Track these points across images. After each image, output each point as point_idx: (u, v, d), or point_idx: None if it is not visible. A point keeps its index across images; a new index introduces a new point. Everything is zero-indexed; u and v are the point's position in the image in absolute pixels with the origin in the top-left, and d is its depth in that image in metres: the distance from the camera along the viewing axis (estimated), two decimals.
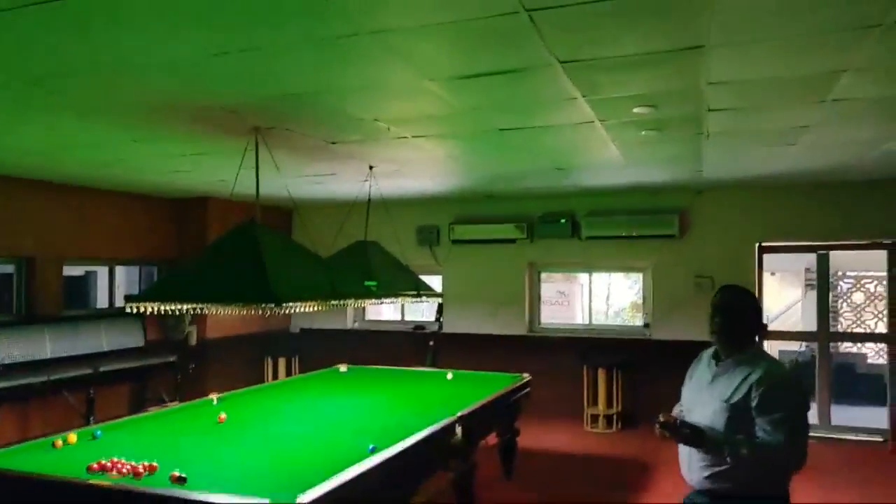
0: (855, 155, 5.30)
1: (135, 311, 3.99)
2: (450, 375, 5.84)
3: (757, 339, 2.53)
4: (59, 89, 3.48)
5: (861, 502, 4.96)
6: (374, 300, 5.16)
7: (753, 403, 2.32)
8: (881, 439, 6.61)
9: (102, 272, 8.19)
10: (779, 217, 7.06)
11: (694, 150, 5.14)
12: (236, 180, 4.89)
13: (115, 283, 7.82)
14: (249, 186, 4.50)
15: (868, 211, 6.72)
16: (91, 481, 2.74)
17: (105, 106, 3.83)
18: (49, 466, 2.97)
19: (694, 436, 2.37)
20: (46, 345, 6.30)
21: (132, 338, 7.20)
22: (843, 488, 5.28)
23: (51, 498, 2.77)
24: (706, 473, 2.42)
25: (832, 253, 7.24)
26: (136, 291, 8.04)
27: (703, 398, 2.50)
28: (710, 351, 2.62)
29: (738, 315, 2.48)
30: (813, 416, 7.16)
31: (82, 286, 9.16)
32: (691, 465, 2.49)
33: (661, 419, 2.41)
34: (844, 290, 9.18)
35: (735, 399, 2.37)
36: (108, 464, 2.92)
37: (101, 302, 8.28)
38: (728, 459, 2.33)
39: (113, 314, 7.27)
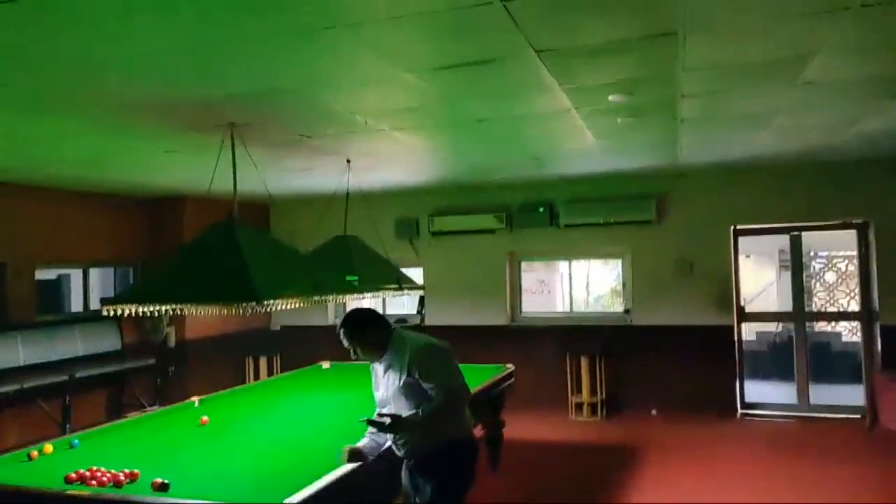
0: (826, 137, 5.36)
1: (112, 314, 3.88)
2: None
3: (386, 332, 3.01)
4: (17, 86, 3.36)
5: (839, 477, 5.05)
6: (355, 295, 5.12)
7: (417, 376, 2.86)
8: (858, 416, 6.74)
9: (76, 275, 8.02)
10: (753, 200, 7.14)
11: (669, 135, 5.16)
12: (213, 177, 4.80)
13: (89, 286, 7.66)
14: (226, 183, 4.41)
15: (839, 191, 6.81)
16: (70, 491, 2.65)
17: (67, 103, 3.72)
18: (25, 478, 2.88)
19: (394, 423, 2.84)
20: (19, 352, 6.15)
21: (108, 341, 7.06)
22: (821, 465, 5.38)
23: None
24: (407, 447, 2.94)
25: (804, 233, 7.36)
26: (111, 294, 7.90)
27: (388, 391, 2.98)
28: None
29: (362, 330, 2.98)
30: (792, 396, 7.29)
31: (56, 290, 8.95)
32: (396, 447, 2.99)
33: (366, 420, 2.87)
34: (817, 269, 9.32)
35: (404, 380, 2.89)
36: (87, 473, 2.82)
37: (76, 306, 8.09)
38: (419, 427, 2.83)
39: (88, 318, 7.12)
